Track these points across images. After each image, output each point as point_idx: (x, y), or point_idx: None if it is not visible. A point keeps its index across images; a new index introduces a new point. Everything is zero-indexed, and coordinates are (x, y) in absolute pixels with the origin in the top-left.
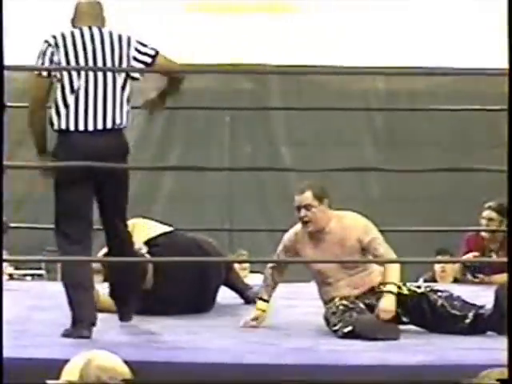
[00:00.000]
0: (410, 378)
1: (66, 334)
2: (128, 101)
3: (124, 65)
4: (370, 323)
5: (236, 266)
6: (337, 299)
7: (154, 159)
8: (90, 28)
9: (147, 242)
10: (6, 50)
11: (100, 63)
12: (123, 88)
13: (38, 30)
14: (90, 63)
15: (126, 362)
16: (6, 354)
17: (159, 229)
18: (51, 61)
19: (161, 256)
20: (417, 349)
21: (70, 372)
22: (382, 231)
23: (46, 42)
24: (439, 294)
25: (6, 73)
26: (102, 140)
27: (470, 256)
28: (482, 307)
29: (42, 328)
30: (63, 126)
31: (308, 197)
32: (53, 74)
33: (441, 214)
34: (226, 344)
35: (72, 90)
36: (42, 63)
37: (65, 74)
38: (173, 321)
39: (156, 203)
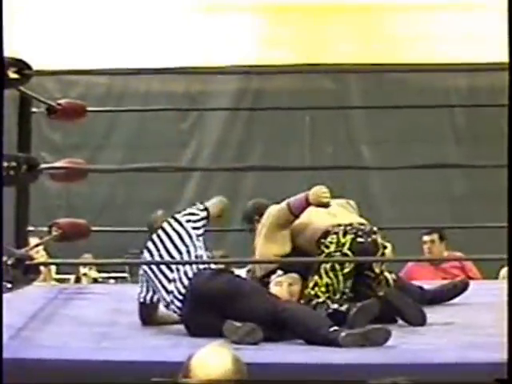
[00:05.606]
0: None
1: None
2: None
3: None
4: None
5: None
6: None
7: (234, 160)
8: None
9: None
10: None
11: None
12: None
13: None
14: None
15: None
16: (89, 356)
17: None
18: None
19: None
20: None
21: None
22: (464, 227)
23: None
24: None
25: (89, 78)
26: None
27: None
28: None
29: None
30: None
31: None
32: None
33: None
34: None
35: None
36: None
37: None
38: None
39: (237, 202)
